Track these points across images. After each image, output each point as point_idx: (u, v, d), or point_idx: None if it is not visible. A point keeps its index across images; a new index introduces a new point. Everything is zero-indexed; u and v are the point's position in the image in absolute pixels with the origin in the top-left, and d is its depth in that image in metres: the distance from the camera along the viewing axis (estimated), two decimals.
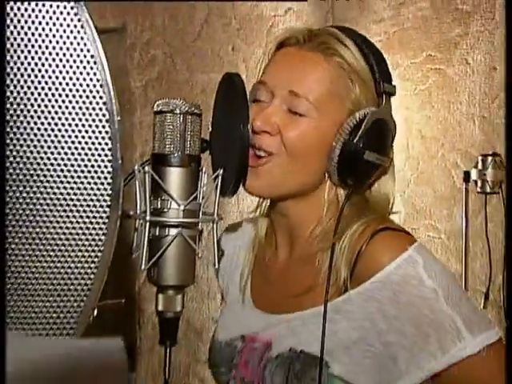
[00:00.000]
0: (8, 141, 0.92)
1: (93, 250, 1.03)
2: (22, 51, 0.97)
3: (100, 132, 1.00)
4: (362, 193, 1.20)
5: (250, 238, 1.39)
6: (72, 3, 0.96)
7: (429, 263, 1.10)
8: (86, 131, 0.99)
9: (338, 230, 1.15)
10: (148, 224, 1.25)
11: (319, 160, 1.17)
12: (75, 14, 0.97)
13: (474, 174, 2.62)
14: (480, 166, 2.61)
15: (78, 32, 0.99)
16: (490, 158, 2.60)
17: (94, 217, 1.03)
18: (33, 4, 0.96)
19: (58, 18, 1.00)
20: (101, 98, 1.00)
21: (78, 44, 0.98)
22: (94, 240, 1.03)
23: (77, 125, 0.98)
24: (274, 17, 2.63)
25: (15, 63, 0.96)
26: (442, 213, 2.77)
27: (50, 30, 1.00)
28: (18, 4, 0.93)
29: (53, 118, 0.96)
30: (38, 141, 0.96)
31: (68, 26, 0.98)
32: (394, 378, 1.11)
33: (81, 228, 1.02)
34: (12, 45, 0.96)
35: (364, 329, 1.11)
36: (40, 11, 0.98)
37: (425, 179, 2.76)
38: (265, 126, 1.17)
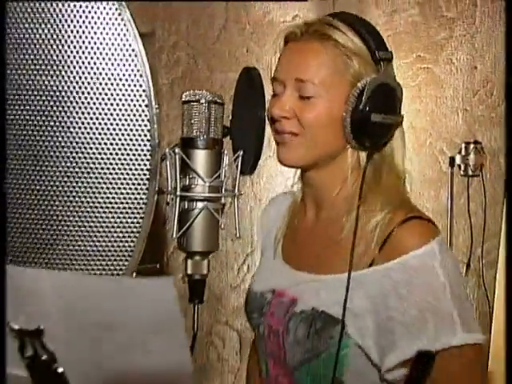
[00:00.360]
0: (63, 123, 0.94)
1: (135, 217, 1.05)
2: (75, 46, 0.98)
3: (140, 115, 1.02)
4: (380, 150, 1.18)
5: (287, 207, 1.40)
6: (116, 4, 0.97)
7: (445, 259, 1.08)
8: (128, 115, 1.01)
9: (362, 194, 1.14)
10: (178, 198, 1.28)
11: (335, 131, 1.17)
12: (119, 14, 0.99)
13: (457, 159, 2.61)
14: (463, 152, 2.60)
15: (121, 29, 1.01)
16: (471, 145, 2.59)
17: (136, 189, 1.05)
18: (83, 5, 0.97)
19: (104, 18, 1.01)
20: (140, 86, 1.03)
21: (121, 40, 1.00)
22: (135, 208, 1.06)
23: (120, 109, 1.00)
24: (283, 22, 2.63)
25: (68, 56, 0.97)
26: (430, 194, 2.77)
27: (98, 27, 1.02)
28: (71, 5, 0.95)
29: (100, 104, 0.98)
30: (88, 123, 0.98)
31: (113, 24, 1.00)
32: (390, 348, 1.10)
33: (124, 198, 1.04)
34: (66, 41, 0.97)
35: (375, 302, 1.10)
36: (89, 12, 1.00)
37: (415, 166, 2.76)
38: (282, 113, 1.18)
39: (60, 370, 0.58)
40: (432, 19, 2.81)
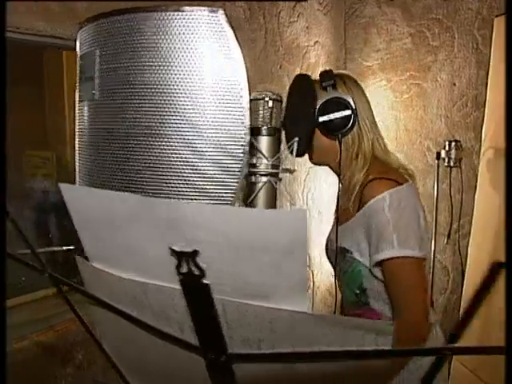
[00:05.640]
0: (180, 111, 0.92)
1: (231, 188, 1.02)
2: (187, 51, 0.96)
3: (236, 104, 1.00)
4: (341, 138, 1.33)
5: None
6: (222, 11, 0.94)
7: (393, 203, 1.21)
8: (229, 104, 1.00)
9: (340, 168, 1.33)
10: (248, 173, 1.27)
11: None
12: (221, 24, 0.97)
13: (442, 154, 2.62)
14: (447, 148, 2.61)
15: (225, 38, 0.98)
16: (453, 143, 2.60)
17: (235, 161, 1.03)
18: (194, 15, 0.94)
19: (212, 28, 0.98)
20: (237, 80, 1.01)
21: (225, 48, 0.97)
22: (232, 179, 1.02)
23: (224, 99, 0.98)
24: (307, 46, 2.63)
25: (183, 58, 0.95)
26: (419, 182, 2.78)
27: (207, 36, 0.99)
28: (190, 14, 0.93)
29: (202, 96, 0.96)
30: (203, 110, 0.95)
31: (219, 33, 0.98)
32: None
33: (225, 174, 1.01)
34: (180, 46, 0.94)
35: (362, 231, 1.28)
36: (199, 22, 0.98)
37: (408, 159, 2.75)
38: None
39: (206, 281, 0.57)
40: (421, 47, 2.81)
